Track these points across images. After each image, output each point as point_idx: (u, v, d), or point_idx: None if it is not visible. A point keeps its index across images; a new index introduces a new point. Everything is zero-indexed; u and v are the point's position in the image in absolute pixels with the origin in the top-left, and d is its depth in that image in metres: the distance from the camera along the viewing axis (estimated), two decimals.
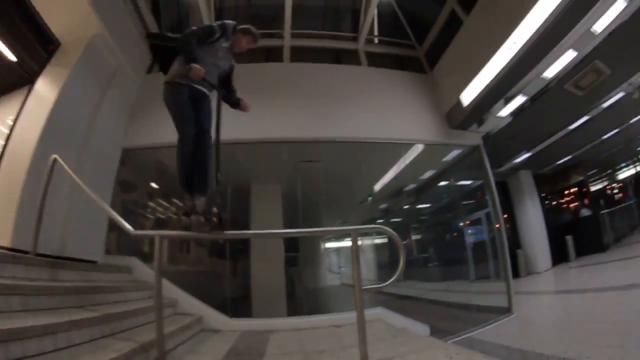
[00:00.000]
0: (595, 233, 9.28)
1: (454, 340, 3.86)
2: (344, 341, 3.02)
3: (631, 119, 8.25)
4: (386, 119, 5.50)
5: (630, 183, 14.17)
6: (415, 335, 3.25)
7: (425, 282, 5.11)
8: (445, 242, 6.67)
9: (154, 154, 5.16)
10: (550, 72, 5.25)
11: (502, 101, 5.58)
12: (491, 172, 5.86)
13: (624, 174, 14.89)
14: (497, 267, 5.56)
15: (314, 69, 6.05)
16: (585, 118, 7.48)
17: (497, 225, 5.43)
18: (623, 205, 12.04)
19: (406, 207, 6.53)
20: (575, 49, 4.71)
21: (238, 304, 4.89)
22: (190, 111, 2.40)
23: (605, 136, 9.15)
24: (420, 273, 5.33)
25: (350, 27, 6.95)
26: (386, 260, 6.16)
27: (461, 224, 6.07)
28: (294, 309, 5.18)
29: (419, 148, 5.81)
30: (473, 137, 5.92)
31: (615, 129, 8.66)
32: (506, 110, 5.85)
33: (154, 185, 6.21)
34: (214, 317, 3.75)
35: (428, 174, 6.45)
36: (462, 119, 5.69)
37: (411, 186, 6.55)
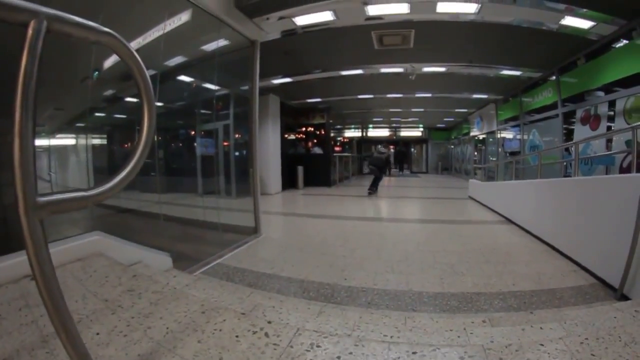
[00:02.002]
0: (325, 170, 11.12)
1: (204, 269, 2.99)
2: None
3: (387, 94, 10.13)
4: None
5: (353, 142, 19.19)
6: (153, 275, 1.96)
7: (158, 195, 3.75)
8: (179, 151, 5.54)
9: None
10: (375, 10, 5.01)
11: (311, 6, 4.43)
12: (258, 81, 4.95)
13: (351, 133, 19.90)
14: (237, 185, 5.07)
15: None
16: (359, 71, 7.66)
17: (251, 141, 4.73)
18: (350, 155, 15.72)
19: (136, 100, 4.34)
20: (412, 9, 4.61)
21: None
22: None
23: (360, 96, 10.39)
24: (150, 184, 3.84)
25: None
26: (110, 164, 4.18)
27: (199, 132, 5.00)
28: None
29: (183, 18, 3.89)
30: (253, 31, 4.54)
31: (371, 94, 10.43)
32: (307, 19, 4.97)
33: None
34: None
35: (176, 61, 4.75)
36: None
37: (150, 72, 4.41)
